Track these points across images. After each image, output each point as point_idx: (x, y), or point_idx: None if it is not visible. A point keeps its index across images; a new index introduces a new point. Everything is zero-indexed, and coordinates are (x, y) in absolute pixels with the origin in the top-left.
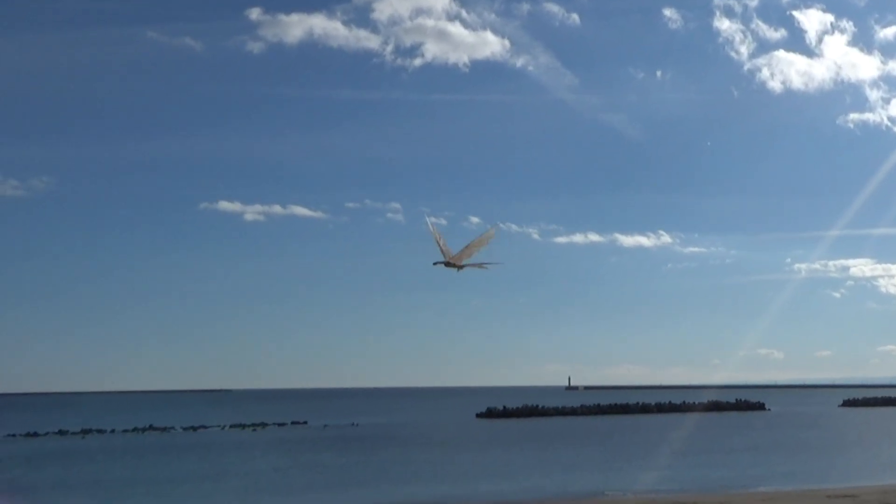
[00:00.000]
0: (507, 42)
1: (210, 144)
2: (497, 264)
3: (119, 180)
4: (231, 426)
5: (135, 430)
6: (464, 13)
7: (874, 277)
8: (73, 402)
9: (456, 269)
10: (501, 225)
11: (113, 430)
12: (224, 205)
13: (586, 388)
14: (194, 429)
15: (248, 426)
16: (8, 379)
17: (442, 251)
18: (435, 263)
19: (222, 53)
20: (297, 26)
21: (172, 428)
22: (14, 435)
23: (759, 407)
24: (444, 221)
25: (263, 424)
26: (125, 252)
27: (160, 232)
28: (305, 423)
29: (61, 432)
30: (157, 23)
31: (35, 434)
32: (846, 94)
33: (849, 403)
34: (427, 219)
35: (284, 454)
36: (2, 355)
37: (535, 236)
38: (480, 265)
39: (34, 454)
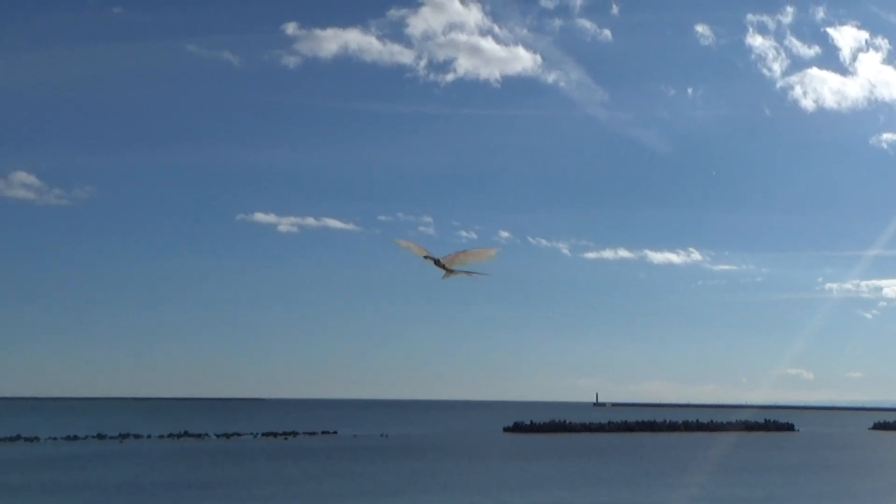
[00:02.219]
0: (538, 57)
1: (246, 156)
2: (485, 275)
3: (159, 190)
4: (263, 434)
5: (170, 435)
6: (496, 28)
7: None
8: (111, 408)
9: (444, 270)
10: (531, 240)
11: (149, 436)
12: (259, 216)
13: (614, 404)
14: (228, 436)
15: (280, 434)
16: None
17: (428, 254)
18: (426, 258)
19: (259, 67)
20: (332, 41)
21: (207, 434)
22: (55, 438)
23: (789, 428)
24: (474, 235)
25: (294, 433)
26: (164, 261)
27: (199, 242)
28: (335, 432)
29: (100, 436)
30: (196, 37)
31: (75, 437)
32: (880, 112)
33: (879, 427)
34: (397, 240)
35: (316, 462)
36: (46, 360)
37: (565, 251)
38: (469, 273)
39: (74, 456)
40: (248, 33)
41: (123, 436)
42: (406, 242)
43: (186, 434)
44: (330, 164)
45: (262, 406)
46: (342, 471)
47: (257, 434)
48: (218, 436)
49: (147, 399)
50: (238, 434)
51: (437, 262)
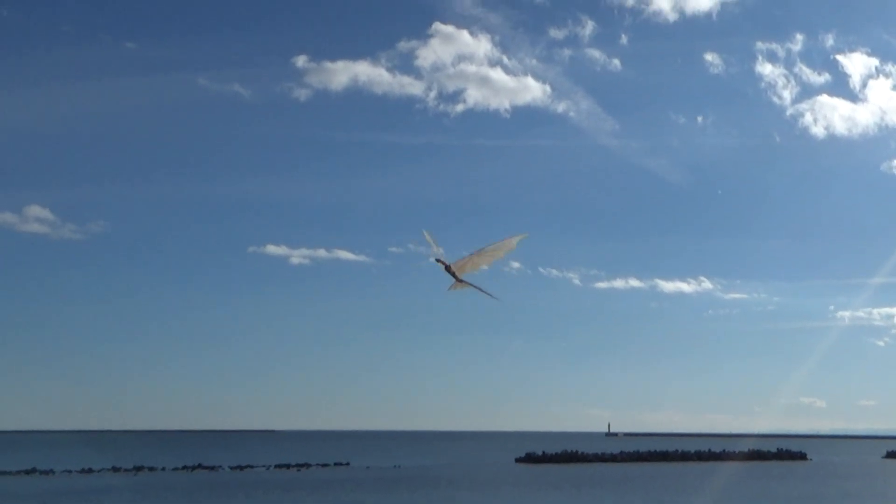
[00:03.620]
0: (548, 87)
1: (258, 188)
2: (494, 298)
3: (171, 223)
4: (276, 466)
5: (185, 468)
6: (505, 59)
7: None
8: (125, 440)
9: (453, 278)
10: (542, 270)
11: (163, 468)
12: (271, 248)
13: (626, 434)
14: (241, 468)
15: (293, 466)
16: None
17: (439, 258)
18: (437, 260)
19: (270, 99)
20: (343, 73)
21: (220, 467)
22: (70, 471)
23: (801, 457)
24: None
25: (307, 465)
26: (176, 293)
27: (211, 274)
28: (348, 464)
29: (115, 469)
30: (207, 70)
31: (90, 470)
32: (891, 139)
33: (893, 455)
34: (424, 232)
35: (329, 494)
36: (60, 393)
37: (576, 281)
38: (479, 289)
39: (91, 489)
40: (258, 66)
41: (138, 468)
42: (429, 236)
43: (200, 466)
44: (341, 195)
45: (275, 438)
46: (355, 502)
47: (270, 466)
48: (232, 468)
49: (160, 431)
50: (251, 466)
51: (447, 268)
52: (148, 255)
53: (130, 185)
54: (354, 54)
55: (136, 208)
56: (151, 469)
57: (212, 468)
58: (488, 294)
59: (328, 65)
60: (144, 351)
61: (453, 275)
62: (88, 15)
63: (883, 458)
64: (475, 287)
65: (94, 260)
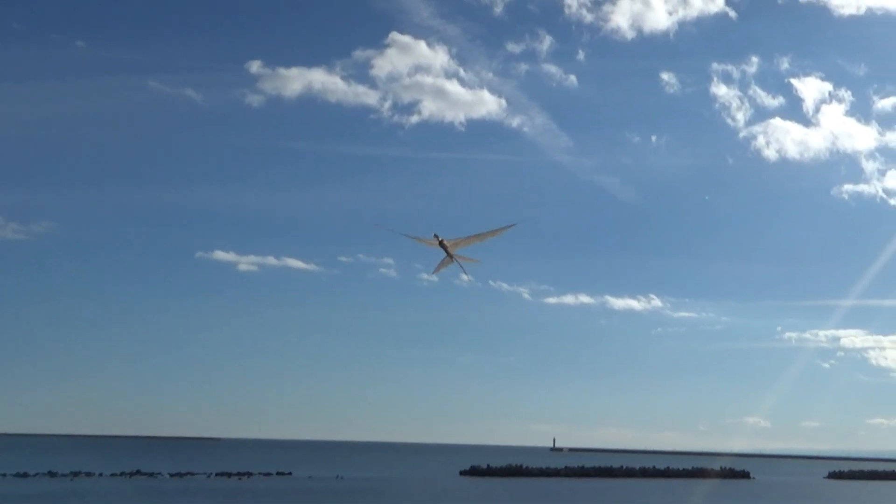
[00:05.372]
0: (503, 101)
1: (207, 194)
2: (477, 261)
3: (118, 227)
4: (217, 474)
5: (123, 474)
6: (462, 72)
7: (865, 349)
8: (61, 445)
9: (447, 256)
10: (492, 283)
11: (101, 474)
12: (219, 254)
13: (571, 449)
14: (181, 475)
15: (235, 475)
16: (2, 419)
17: (435, 234)
18: (435, 235)
19: (222, 105)
20: (297, 80)
21: (160, 473)
22: (4, 474)
23: (745, 475)
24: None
25: (249, 474)
26: (121, 297)
27: (156, 279)
28: (290, 473)
29: (51, 474)
30: (158, 73)
31: (25, 474)
32: (841, 164)
33: (835, 476)
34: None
35: None
36: None
37: (526, 296)
38: (469, 259)
39: (24, 495)
40: (211, 71)
41: (75, 473)
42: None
43: (139, 472)
44: (292, 203)
45: (217, 446)
46: None
47: (211, 474)
48: (171, 475)
49: (99, 437)
50: (192, 473)
51: (441, 243)
52: (93, 257)
53: (78, 187)
54: (309, 61)
55: (83, 210)
56: (89, 475)
57: (151, 475)
58: (473, 260)
59: (282, 71)
60: (85, 354)
61: (446, 249)
62: (39, 13)
63: (825, 478)
64: (460, 263)
65: (37, 261)
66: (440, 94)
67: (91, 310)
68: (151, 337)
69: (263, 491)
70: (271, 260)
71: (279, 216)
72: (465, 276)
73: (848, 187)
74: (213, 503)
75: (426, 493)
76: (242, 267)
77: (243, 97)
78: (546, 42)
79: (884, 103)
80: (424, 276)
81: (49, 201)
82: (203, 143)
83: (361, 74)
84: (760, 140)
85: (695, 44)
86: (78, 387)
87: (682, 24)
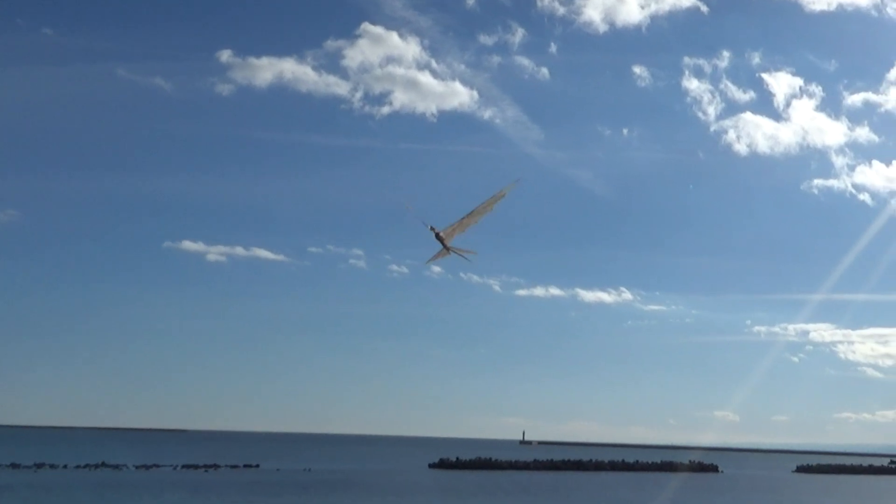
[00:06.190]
0: (475, 93)
1: (175, 184)
2: (473, 253)
3: (84, 215)
4: (184, 466)
5: (87, 466)
6: (434, 63)
7: (833, 343)
8: (26, 436)
9: (444, 247)
10: (462, 275)
11: (66, 466)
12: (187, 244)
13: (540, 442)
14: (147, 467)
15: (201, 467)
16: None
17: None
18: (431, 228)
19: (192, 94)
20: (268, 70)
21: (125, 465)
22: None
23: (713, 469)
24: (405, 269)
25: (216, 466)
26: (87, 286)
27: (123, 268)
28: (258, 466)
29: (14, 465)
30: (128, 61)
31: None
32: (811, 159)
33: (803, 469)
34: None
35: (238, 497)
36: None
37: (497, 288)
38: (465, 251)
39: None
40: (181, 60)
41: (39, 465)
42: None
43: (104, 465)
44: (261, 194)
45: (183, 437)
46: None
47: (177, 466)
48: (137, 467)
49: (63, 428)
50: (157, 465)
51: (437, 236)
52: (59, 245)
53: (44, 175)
54: (280, 51)
55: (49, 199)
56: (53, 466)
57: (116, 467)
58: (470, 252)
59: (253, 61)
60: (49, 344)
61: (442, 241)
62: None
63: (793, 472)
64: (457, 253)
65: (2, 249)
66: (412, 85)
67: (55, 300)
68: (117, 327)
69: (231, 483)
70: (240, 250)
71: (248, 206)
72: (467, 258)
73: (818, 182)
74: (180, 496)
75: (395, 486)
76: (211, 257)
77: (213, 86)
78: (518, 34)
79: (853, 99)
80: (394, 267)
81: (13, 190)
82: (172, 133)
83: (333, 65)
84: (731, 134)
85: (667, 38)
86: (42, 378)
87: (654, 18)
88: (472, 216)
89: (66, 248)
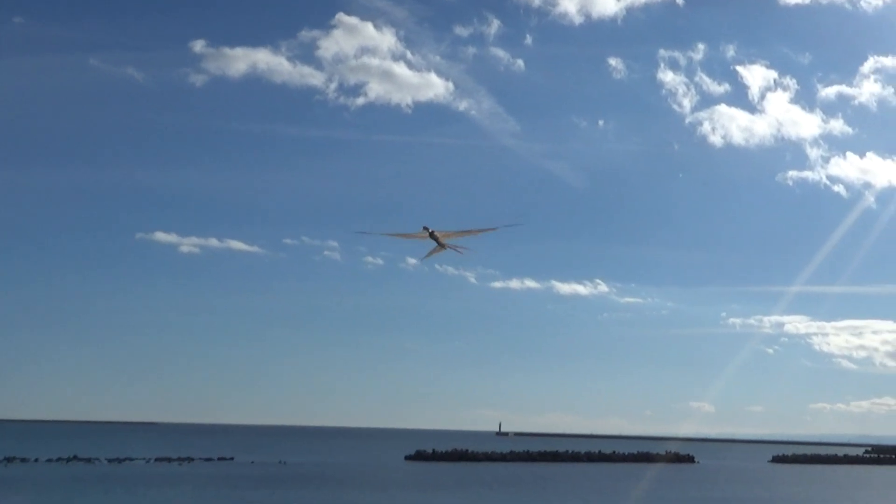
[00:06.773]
0: (451, 85)
1: (148, 175)
2: (468, 249)
3: (55, 206)
4: (157, 459)
5: (59, 459)
6: (409, 54)
7: (808, 335)
8: None
9: (438, 245)
10: (438, 267)
11: (36, 460)
12: (160, 236)
13: (517, 434)
14: (119, 461)
15: (175, 460)
16: None
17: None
18: (425, 228)
19: (165, 84)
20: (242, 60)
21: (97, 459)
22: None
23: (689, 459)
24: (380, 261)
25: (190, 459)
26: (59, 278)
27: (95, 260)
28: (232, 458)
29: None
30: (100, 51)
31: None
32: (786, 151)
33: (778, 460)
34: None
35: (212, 490)
36: None
37: (472, 280)
38: (458, 248)
39: None
40: (154, 50)
41: (9, 459)
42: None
43: (76, 458)
44: (235, 185)
45: (156, 430)
46: (239, 499)
47: (150, 459)
48: (109, 460)
49: (33, 421)
50: (130, 459)
51: (431, 234)
52: (30, 237)
53: (15, 166)
54: (254, 41)
55: (20, 190)
56: (23, 460)
57: (88, 460)
58: (464, 248)
59: (227, 51)
60: (19, 336)
61: (437, 239)
62: None
63: (769, 462)
64: (453, 248)
65: None
66: (387, 76)
67: (25, 292)
68: (88, 319)
69: (205, 476)
70: (213, 242)
71: (222, 197)
72: (460, 251)
73: (792, 174)
74: (153, 488)
75: (371, 478)
76: (184, 248)
77: (186, 77)
78: (494, 26)
79: (827, 91)
80: (369, 259)
81: None
82: (145, 123)
83: (307, 55)
84: (706, 126)
85: (642, 30)
86: (11, 371)
87: (629, 11)
88: (464, 234)
89: (37, 239)
